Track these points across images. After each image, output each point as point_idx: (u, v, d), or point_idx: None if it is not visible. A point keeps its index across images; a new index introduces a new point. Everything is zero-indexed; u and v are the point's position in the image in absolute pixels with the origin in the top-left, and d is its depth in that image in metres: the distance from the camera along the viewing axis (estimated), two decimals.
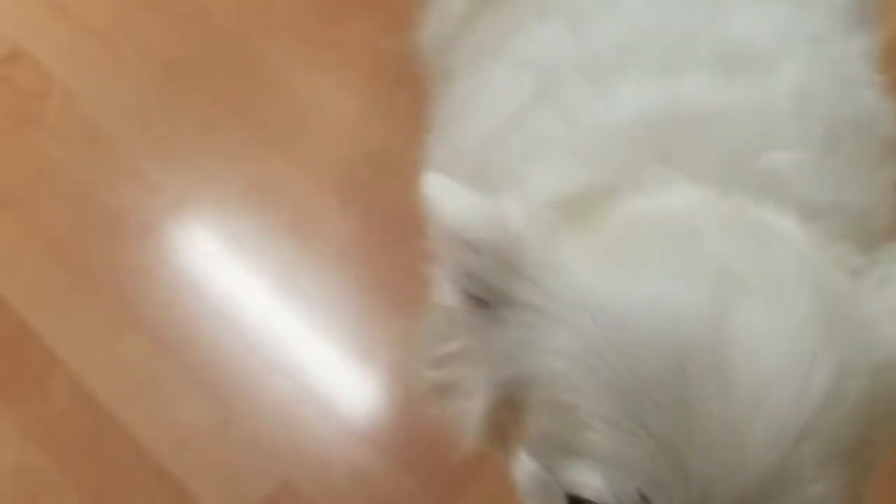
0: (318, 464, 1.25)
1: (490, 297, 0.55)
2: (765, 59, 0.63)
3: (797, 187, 0.57)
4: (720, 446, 0.47)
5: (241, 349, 1.32)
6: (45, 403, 1.30)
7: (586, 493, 0.50)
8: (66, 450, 1.28)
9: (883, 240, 0.61)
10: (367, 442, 1.26)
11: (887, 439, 0.54)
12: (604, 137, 0.60)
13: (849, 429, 0.49)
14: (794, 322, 0.49)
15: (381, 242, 1.35)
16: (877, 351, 0.51)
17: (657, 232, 0.54)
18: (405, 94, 1.10)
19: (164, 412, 1.29)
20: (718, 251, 0.51)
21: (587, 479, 0.50)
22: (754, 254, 0.52)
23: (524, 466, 0.57)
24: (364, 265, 1.35)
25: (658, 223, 0.55)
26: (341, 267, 1.36)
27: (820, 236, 0.55)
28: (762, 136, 0.59)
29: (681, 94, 0.60)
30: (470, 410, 0.59)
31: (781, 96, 0.61)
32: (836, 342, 0.49)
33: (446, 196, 0.54)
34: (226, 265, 1.38)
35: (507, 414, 0.58)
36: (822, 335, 0.49)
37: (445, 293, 0.58)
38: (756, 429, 0.47)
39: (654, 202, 0.56)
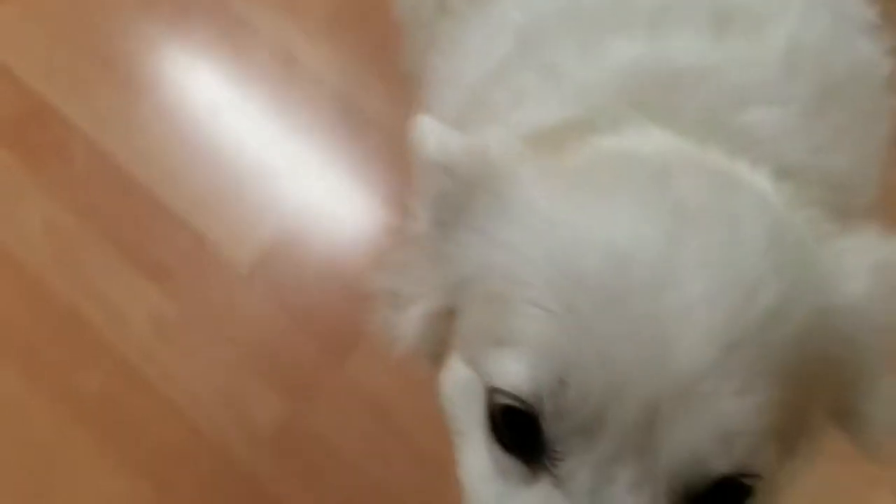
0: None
1: (453, 216, 0.56)
2: (757, 16, 0.62)
3: (775, 146, 0.57)
4: (646, 342, 0.47)
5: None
6: (67, 168, 1.41)
7: (507, 381, 0.50)
8: (90, 207, 1.39)
9: (862, 216, 0.59)
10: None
11: (822, 411, 0.53)
12: (587, 84, 0.60)
13: (779, 358, 0.48)
14: (745, 252, 0.49)
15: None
16: (826, 295, 0.51)
17: (623, 164, 0.54)
18: None
19: (180, 174, 1.40)
20: (681, 188, 0.51)
21: (509, 366, 0.50)
22: (718, 197, 0.51)
23: (452, 373, 0.58)
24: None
25: (626, 158, 0.55)
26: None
27: (792, 197, 0.55)
28: (746, 92, 0.58)
29: (668, 50, 0.60)
30: (411, 316, 0.60)
31: (771, 54, 0.60)
32: (785, 275, 0.49)
33: (432, 134, 0.56)
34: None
35: (444, 327, 0.59)
36: (770, 266, 0.49)
37: (417, 222, 0.60)
38: (684, 331, 0.46)
39: (628, 141, 0.56)
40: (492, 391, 0.51)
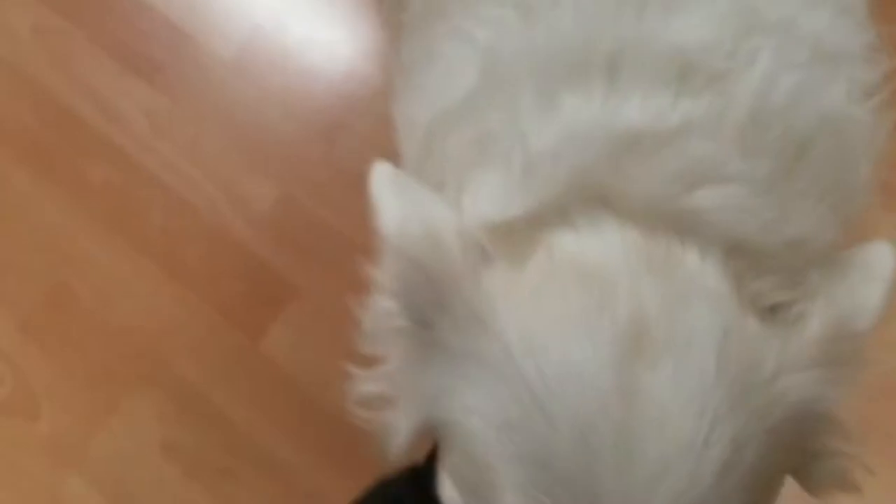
0: None
1: (421, 316, 0.56)
2: (722, 68, 0.57)
3: (728, 226, 0.55)
4: None
5: None
6: None
7: None
8: (76, 9, 1.43)
9: (824, 259, 0.58)
10: None
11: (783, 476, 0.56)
12: (541, 159, 0.57)
13: (744, 493, 0.50)
14: (695, 393, 0.50)
15: None
16: (775, 410, 0.52)
17: (574, 282, 0.53)
18: None
19: None
20: (630, 310, 0.51)
21: None
22: (665, 311, 0.52)
23: (447, 492, 0.59)
24: None
25: (577, 271, 0.54)
26: None
27: (743, 273, 0.55)
28: (700, 166, 0.55)
29: (623, 113, 0.56)
30: (397, 427, 0.59)
31: (731, 116, 0.56)
32: (735, 411, 0.50)
33: (388, 193, 0.55)
34: None
35: (434, 432, 0.59)
36: (720, 405, 0.50)
37: (382, 295, 0.58)
38: (654, 496, 0.49)
39: (578, 242, 0.55)
40: None
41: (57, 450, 1.28)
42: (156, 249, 1.35)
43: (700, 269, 0.54)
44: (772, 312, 0.56)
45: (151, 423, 1.29)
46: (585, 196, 0.55)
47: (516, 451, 0.50)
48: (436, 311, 0.54)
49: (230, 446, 1.27)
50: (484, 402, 0.52)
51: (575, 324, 0.52)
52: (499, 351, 0.52)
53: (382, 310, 0.58)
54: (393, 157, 0.63)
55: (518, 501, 0.50)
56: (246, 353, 1.32)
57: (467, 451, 0.54)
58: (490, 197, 0.57)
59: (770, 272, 0.56)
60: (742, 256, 0.55)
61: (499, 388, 0.52)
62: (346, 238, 1.33)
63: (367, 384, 0.61)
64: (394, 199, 0.55)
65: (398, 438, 0.59)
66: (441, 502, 0.60)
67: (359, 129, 1.37)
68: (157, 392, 1.30)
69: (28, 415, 1.30)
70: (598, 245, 0.54)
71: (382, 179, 0.56)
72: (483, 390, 0.53)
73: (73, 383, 1.31)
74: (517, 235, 0.56)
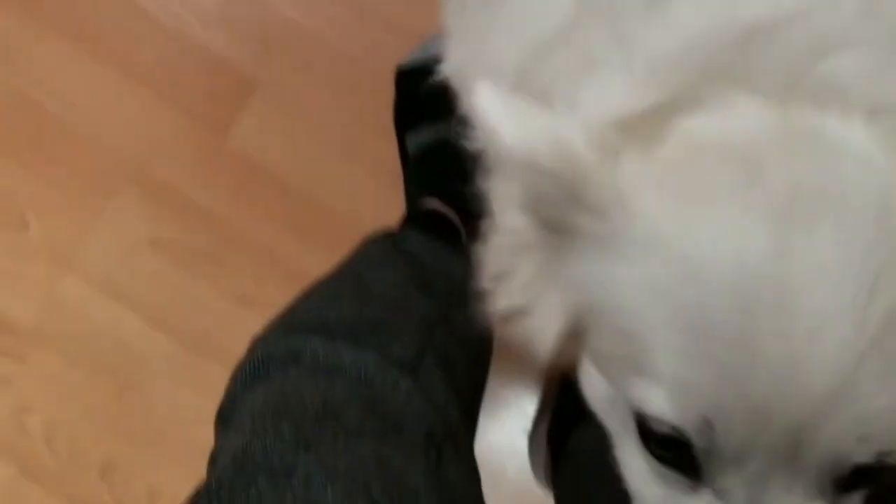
0: None
1: (555, 222, 0.55)
2: None
3: (862, 89, 0.54)
4: (780, 376, 0.48)
5: None
6: None
7: (653, 410, 0.52)
8: None
9: None
10: None
11: None
12: (661, 57, 0.55)
13: None
14: (855, 251, 0.49)
15: None
16: None
17: (718, 160, 0.53)
18: None
19: None
20: (780, 180, 0.50)
21: (654, 403, 0.52)
22: (817, 174, 0.51)
23: (592, 380, 0.59)
24: None
25: (718, 149, 0.53)
26: None
27: (889, 135, 0.53)
28: (824, 39, 0.54)
29: (739, 6, 0.55)
30: (544, 331, 0.59)
31: None
32: None
33: (500, 111, 0.53)
34: None
35: (579, 331, 0.59)
36: (881, 260, 0.49)
37: (508, 213, 0.58)
38: (814, 359, 0.48)
39: (713, 122, 0.54)
40: (641, 415, 0.54)
41: (50, 254, 1.35)
42: (114, 57, 1.37)
43: (845, 134, 0.53)
44: None
45: (137, 223, 1.35)
46: (715, 82, 0.55)
47: (672, 315, 0.51)
48: (572, 210, 0.54)
49: (213, 236, 1.34)
50: (635, 275, 0.52)
51: (725, 194, 0.51)
52: (646, 227, 0.52)
53: (508, 229, 0.60)
54: None
55: (673, 364, 0.51)
56: (216, 149, 1.36)
57: (618, 328, 0.54)
58: (613, 96, 0.56)
59: None
60: (882, 119, 0.54)
61: (650, 260, 0.52)
62: (299, 25, 1.35)
63: (501, 300, 0.62)
64: (508, 116, 0.53)
65: (545, 343, 0.60)
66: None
67: None
68: (138, 194, 1.36)
69: (16, 226, 1.36)
70: (738, 122, 0.54)
71: (490, 100, 0.53)
72: (633, 264, 0.53)
73: (56, 193, 1.36)
74: (646, 126, 0.55)
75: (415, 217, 1.22)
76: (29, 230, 1.36)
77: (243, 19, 1.38)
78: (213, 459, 0.67)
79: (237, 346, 0.78)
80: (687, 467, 0.54)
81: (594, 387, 0.59)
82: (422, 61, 1.24)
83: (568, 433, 1.05)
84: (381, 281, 0.88)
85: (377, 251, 0.96)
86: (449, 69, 0.73)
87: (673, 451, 0.54)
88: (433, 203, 1.23)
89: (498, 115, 0.53)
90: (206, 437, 0.73)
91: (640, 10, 0.57)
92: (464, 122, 0.60)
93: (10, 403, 1.32)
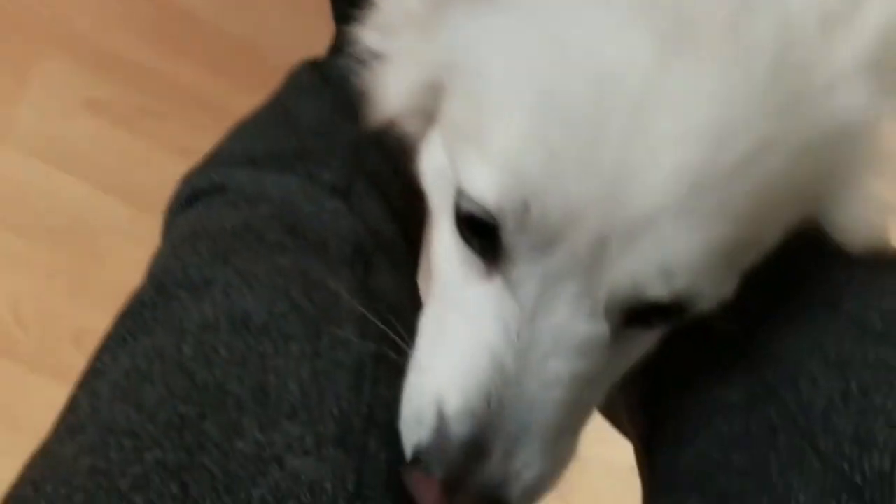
0: None
1: None
2: None
3: None
4: (608, 180, 0.46)
5: None
6: None
7: (474, 189, 0.50)
8: None
9: None
10: None
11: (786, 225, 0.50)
12: None
13: (744, 203, 0.47)
14: (739, 84, 0.45)
15: None
16: (819, 124, 0.47)
17: None
18: None
19: None
20: None
21: (478, 178, 0.50)
22: (727, 12, 0.46)
23: (432, 154, 0.57)
24: None
25: None
26: None
27: None
28: None
29: None
30: (399, 79, 0.58)
31: None
32: (779, 115, 0.46)
33: None
34: None
35: (430, 100, 0.57)
36: (763, 104, 0.45)
37: None
38: (649, 169, 0.45)
39: None
40: (459, 191, 0.52)
41: None
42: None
43: None
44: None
45: (68, 86, 1.31)
46: None
47: (525, 88, 0.49)
48: None
49: (147, 90, 1.30)
50: (501, 36, 0.51)
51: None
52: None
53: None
54: None
55: (511, 140, 0.49)
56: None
57: (471, 93, 0.53)
58: None
59: None
60: None
61: (520, 25, 0.50)
62: None
63: (372, 38, 0.61)
64: None
65: (393, 94, 0.60)
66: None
67: None
68: (64, 56, 1.31)
69: None
70: None
71: None
72: (503, 26, 0.51)
73: None
74: None
75: (341, 44, 1.19)
76: None
77: None
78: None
79: None
80: (488, 251, 0.52)
81: (432, 158, 0.58)
82: None
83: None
84: (309, 110, 0.86)
85: (304, 81, 0.93)
86: None
87: (479, 232, 0.52)
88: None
89: None
90: None
91: None
92: None
93: None
